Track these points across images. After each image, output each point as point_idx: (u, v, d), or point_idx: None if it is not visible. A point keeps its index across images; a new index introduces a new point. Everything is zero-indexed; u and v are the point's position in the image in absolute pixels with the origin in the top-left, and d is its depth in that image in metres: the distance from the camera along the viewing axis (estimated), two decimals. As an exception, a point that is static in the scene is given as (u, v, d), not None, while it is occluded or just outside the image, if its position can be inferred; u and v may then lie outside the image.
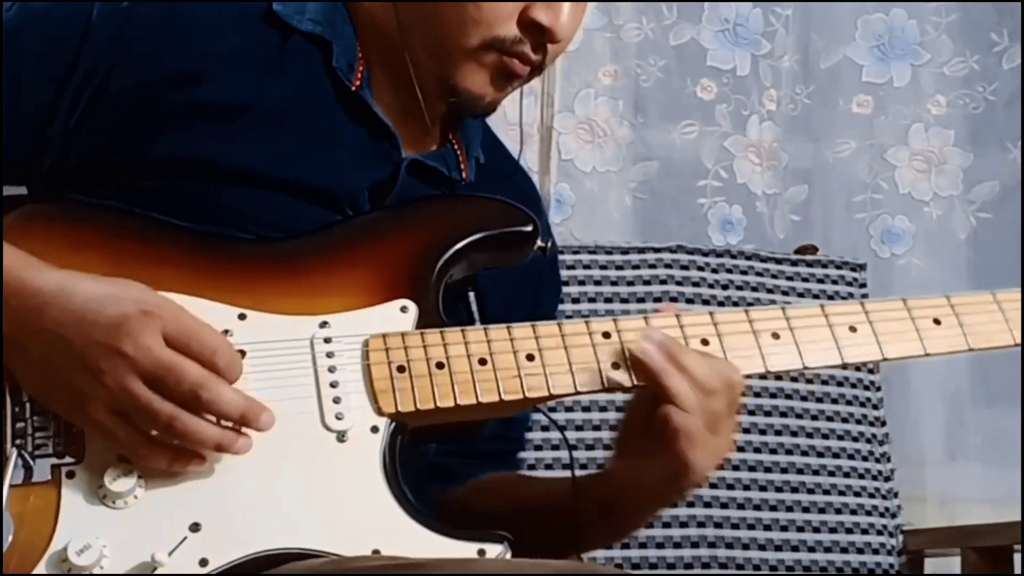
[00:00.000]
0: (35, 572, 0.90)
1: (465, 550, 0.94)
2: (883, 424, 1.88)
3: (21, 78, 1.05)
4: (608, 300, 1.84)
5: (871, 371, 1.91)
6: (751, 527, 1.77)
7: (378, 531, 0.94)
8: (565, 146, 2.07)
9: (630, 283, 1.85)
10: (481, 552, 0.94)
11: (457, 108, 1.15)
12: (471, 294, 1.10)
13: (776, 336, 1.06)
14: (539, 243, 1.10)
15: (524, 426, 1.31)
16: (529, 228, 1.10)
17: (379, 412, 0.99)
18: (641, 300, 1.84)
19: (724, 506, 1.76)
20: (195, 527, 0.93)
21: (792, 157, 2.17)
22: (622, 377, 1.03)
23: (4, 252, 0.96)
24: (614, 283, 1.85)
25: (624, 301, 1.84)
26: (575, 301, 1.83)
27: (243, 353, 0.98)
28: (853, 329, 1.08)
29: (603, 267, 1.86)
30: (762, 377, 1.89)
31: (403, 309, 1.03)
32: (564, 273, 1.81)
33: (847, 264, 1.94)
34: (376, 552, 0.93)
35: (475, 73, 1.11)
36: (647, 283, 1.85)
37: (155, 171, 1.06)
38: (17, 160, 1.07)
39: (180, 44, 1.08)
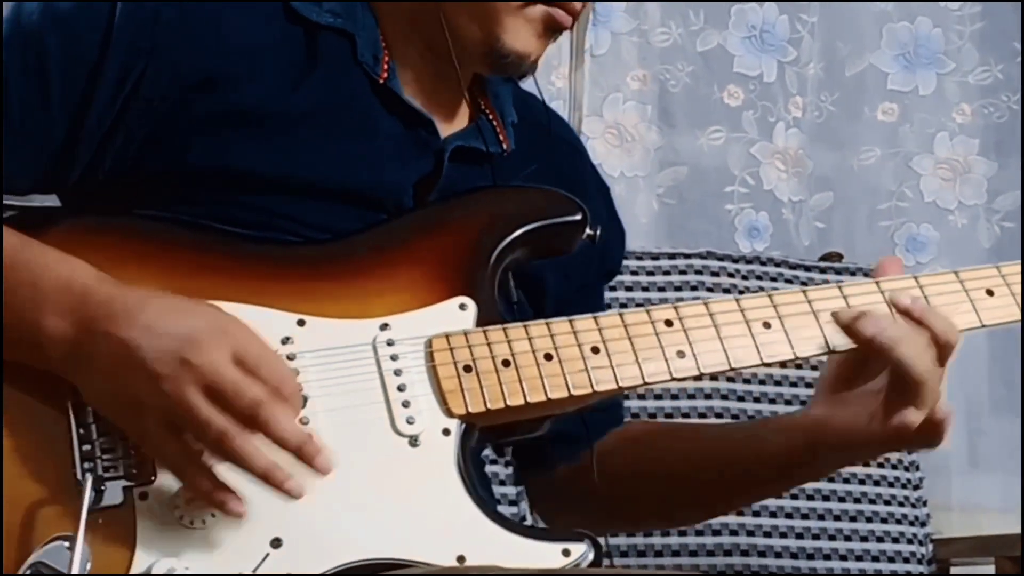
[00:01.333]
0: None
1: (549, 551, 0.93)
2: None
3: (48, 84, 1.03)
4: (639, 305, 1.84)
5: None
6: (783, 535, 1.77)
7: (461, 537, 0.93)
8: (593, 150, 2.04)
9: (661, 288, 1.85)
10: (566, 552, 0.93)
11: (501, 70, 1.13)
12: (504, 282, 1.09)
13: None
14: (588, 231, 1.09)
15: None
16: (578, 217, 1.09)
17: (449, 414, 0.97)
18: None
19: (756, 514, 1.76)
20: (276, 543, 0.92)
21: (817, 164, 2.18)
22: (687, 367, 1.02)
23: (73, 264, 0.94)
24: (645, 288, 1.85)
25: (655, 307, 1.86)
26: (607, 306, 1.84)
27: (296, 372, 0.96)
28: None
29: (634, 272, 1.86)
30: (793, 385, 1.93)
31: (462, 307, 1.02)
32: (593, 279, 1.85)
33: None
34: (461, 558, 0.92)
35: (522, 29, 1.09)
36: (678, 288, 1.85)
37: (193, 180, 1.04)
38: (50, 167, 1.05)
39: (208, 48, 1.05)
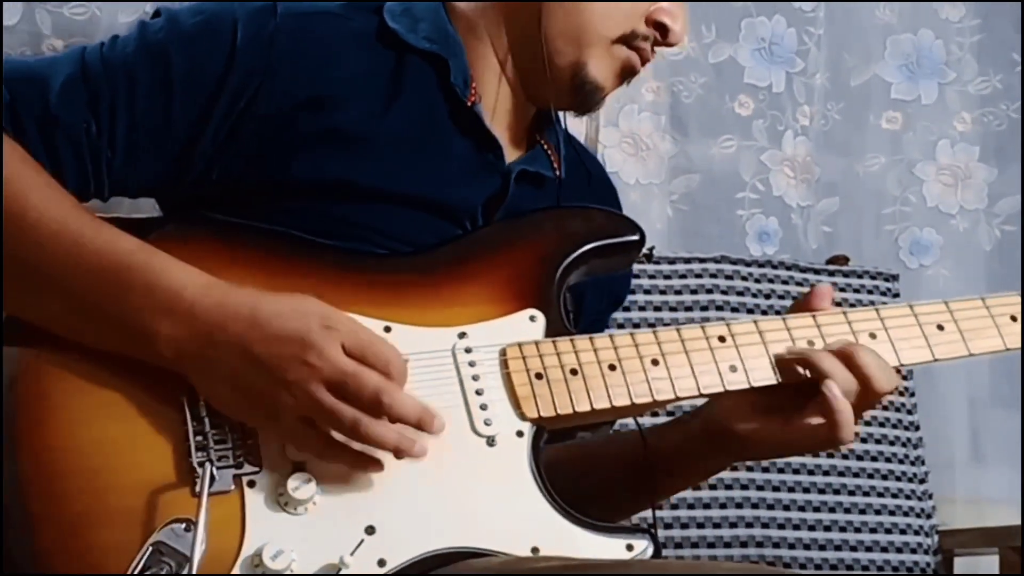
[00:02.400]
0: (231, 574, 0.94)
1: (615, 545, 1.00)
2: (917, 428, 1.94)
3: (172, 96, 1.09)
4: (657, 308, 1.90)
5: (904, 377, 1.97)
6: (796, 527, 1.83)
7: (535, 530, 1.00)
8: (610, 159, 2.06)
9: (677, 292, 1.91)
10: (629, 547, 1.00)
11: (578, 97, 1.21)
12: (565, 296, 1.15)
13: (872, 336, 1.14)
14: (644, 250, 1.17)
15: None
16: (636, 237, 1.17)
17: (522, 417, 1.04)
18: (688, 308, 1.90)
19: (771, 507, 1.82)
20: (370, 530, 0.98)
21: (824, 171, 2.18)
22: (739, 379, 1.09)
23: (186, 270, 1.00)
24: (662, 292, 1.90)
25: (672, 309, 1.90)
26: (625, 309, 1.88)
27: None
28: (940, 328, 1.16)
29: (651, 276, 1.91)
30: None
31: (532, 318, 1.09)
32: (613, 281, 1.90)
33: (881, 274, 2.01)
34: (535, 549, 0.99)
35: (605, 63, 1.20)
36: (694, 292, 1.91)
37: (294, 192, 1.11)
38: (164, 174, 1.11)
39: (313, 71, 1.12)
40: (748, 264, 1.95)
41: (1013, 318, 1.19)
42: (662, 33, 1.21)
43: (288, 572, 0.95)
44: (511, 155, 1.23)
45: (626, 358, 1.08)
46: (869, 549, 1.84)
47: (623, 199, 2.07)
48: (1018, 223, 2.24)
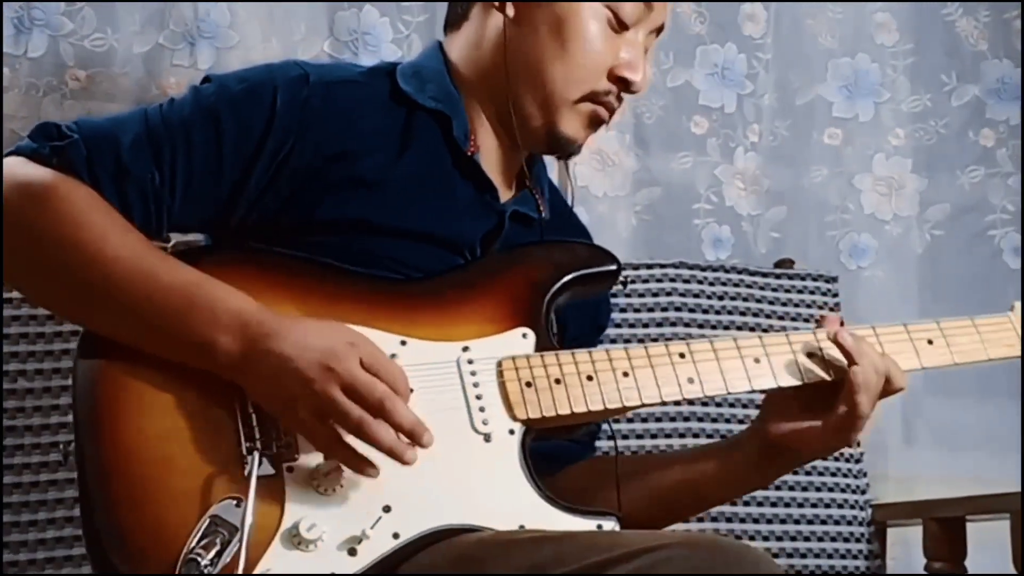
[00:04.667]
0: (272, 545, 1.12)
1: (587, 525, 1.17)
2: None
3: (222, 152, 1.26)
4: (622, 311, 2.02)
5: None
6: (745, 504, 1.97)
7: (522, 511, 1.17)
8: (580, 174, 2.19)
9: (641, 295, 2.04)
10: (599, 527, 1.17)
11: (556, 151, 1.37)
12: (552, 317, 1.32)
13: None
14: (620, 278, 1.34)
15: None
16: (615, 267, 1.34)
17: (514, 418, 1.22)
18: (651, 310, 2.03)
19: None
20: (387, 509, 1.16)
21: (773, 182, 2.29)
22: (695, 390, 1.26)
23: (240, 296, 1.17)
24: (627, 295, 2.03)
25: (636, 311, 2.03)
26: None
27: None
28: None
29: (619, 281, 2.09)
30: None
31: (524, 335, 1.27)
32: (582, 286, 2.06)
33: (822, 276, 2.12)
34: (521, 527, 1.16)
35: (572, 120, 1.33)
36: (655, 295, 2.03)
37: (321, 228, 1.28)
38: (214, 215, 1.29)
39: (339, 128, 1.29)
40: (703, 269, 2.07)
41: (929, 341, 1.34)
42: (625, 86, 1.34)
43: (319, 542, 1.13)
44: (504, 196, 1.39)
45: (601, 370, 1.24)
46: (811, 522, 1.98)
47: (591, 211, 2.24)
48: (945, 229, 2.38)
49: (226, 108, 1.27)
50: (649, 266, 2.08)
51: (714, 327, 2.05)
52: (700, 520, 1.95)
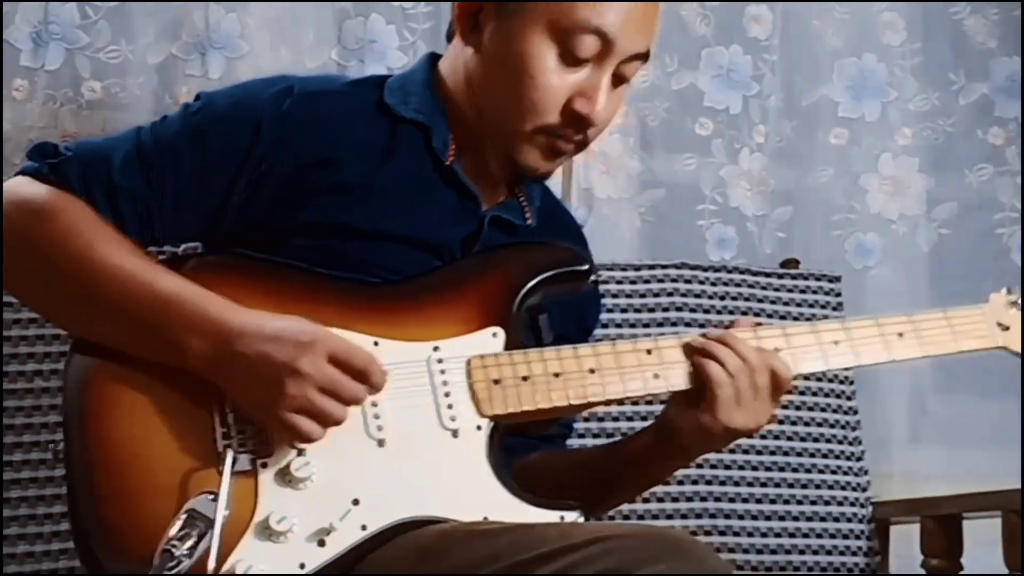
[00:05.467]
0: (245, 537, 1.17)
1: (550, 516, 1.22)
2: (855, 413, 2.09)
3: (208, 167, 1.33)
4: (624, 311, 2.05)
5: (845, 369, 2.14)
6: (745, 501, 2.00)
7: (486, 503, 1.22)
8: (584, 177, 2.23)
9: (642, 296, 2.06)
10: (561, 518, 1.22)
11: (523, 176, 1.42)
12: (542, 316, 1.37)
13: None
14: (592, 277, 1.37)
15: (572, 419, 1.58)
16: (585, 267, 1.37)
17: (481, 415, 1.27)
18: (652, 311, 2.06)
19: (722, 483, 1.99)
20: (356, 502, 1.21)
21: (778, 182, 2.30)
22: (659, 384, 1.30)
23: (212, 298, 1.23)
24: (628, 296, 2.06)
25: (637, 311, 2.06)
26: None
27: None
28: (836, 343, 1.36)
29: (619, 282, 2.08)
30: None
31: (494, 334, 1.31)
32: (584, 287, 2.09)
33: (824, 276, 2.14)
34: (485, 518, 1.21)
35: (530, 151, 1.37)
36: (656, 296, 2.06)
37: (304, 232, 1.34)
38: (204, 224, 1.36)
39: (322, 138, 1.35)
40: (705, 269, 2.09)
41: (900, 335, 1.38)
42: (579, 120, 1.35)
43: (289, 533, 1.19)
44: (492, 202, 1.44)
45: (568, 367, 1.28)
46: (810, 519, 2.01)
47: (595, 213, 2.28)
48: (952, 227, 2.38)
49: (212, 125, 1.35)
50: (651, 267, 2.11)
51: (716, 328, 2.07)
52: (699, 517, 1.98)
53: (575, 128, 1.36)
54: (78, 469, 1.23)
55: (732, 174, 2.32)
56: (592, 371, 1.29)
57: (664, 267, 2.11)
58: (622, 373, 1.30)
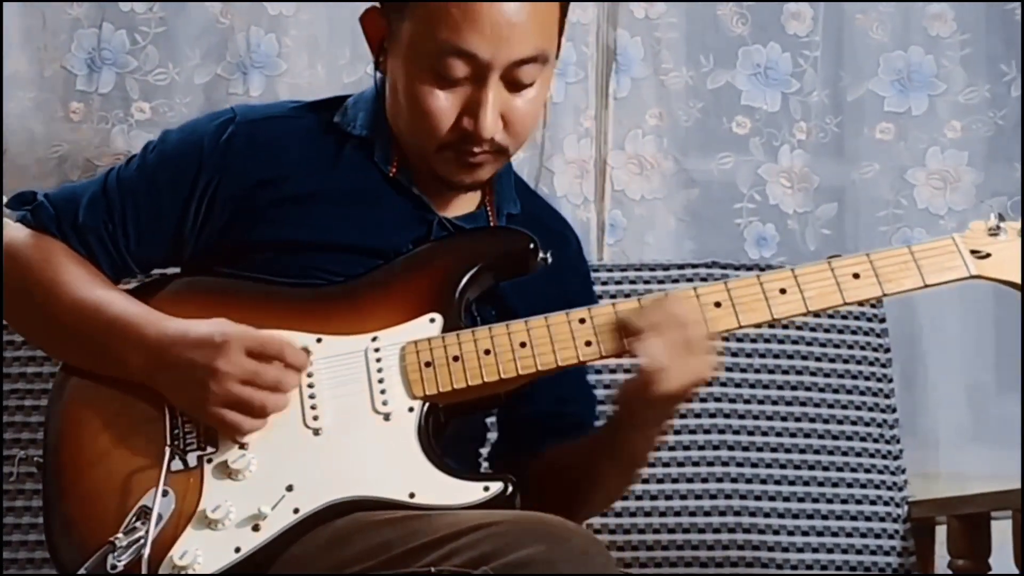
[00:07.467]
0: (187, 528, 1.25)
1: (475, 487, 1.26)
2: (894, 411, 2.07)
3: (161, 200, 1.45)
4: None
5: (884, 365, 2.08)
6: (772, 499, 1.98)
7: (413, 479, 1.26)
8: (617, 179, 2.25)
9: None
10: (486, 488, 1.25)
11: (449, 187, 1.45)
12: (469, 299, 1.38)
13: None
14: (540, 255, 1.38)
15: (592, 406, 1.56)
16: (530, 246, 1.39)
17: (413, 396, 1.31)
18: None
19: (748, 481, 1.98)
20: (289, 488, 1.28)
21: (824, 179, 2.30)
22: (592, 352, 1.31)
23: (148, 314, 1.35)
24: None
25: None
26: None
27: (307, 351, 1.32)
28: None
29: (647, 282, 2.09)
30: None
31: (432, 320, 1.36)
32: (615, 288, 2.07)
33: None
34: (412, 494, 1.26)
35: (443, 165, 1.42)
36: None
37: (259, 248, 1.43)
38: (169, 251, 1.48)
39: (263, 160, 1.44)
40: (736, 268, 2.09)
41: (856, 275, 1.30)
42: (468, 136, 1.38)
43: (226, 520, 1.27)
44: (456, 209, 1.49)
45: (499, 344, 1.31)
46: (839, 518, 1.99)
47: (629, 214, 2.29)
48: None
49: (161, 161, 1.48)
50: (680, 266, 2.12)
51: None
52: (723, 515, 1.97)
53: (472, 143, 1.40)
54: (50, 474, 1.36)
55: (771, 172, 2.32)
56: (523, 344, 1.31)
57: (694, 266, 2.11)
58: (555, 344, 1.30)
